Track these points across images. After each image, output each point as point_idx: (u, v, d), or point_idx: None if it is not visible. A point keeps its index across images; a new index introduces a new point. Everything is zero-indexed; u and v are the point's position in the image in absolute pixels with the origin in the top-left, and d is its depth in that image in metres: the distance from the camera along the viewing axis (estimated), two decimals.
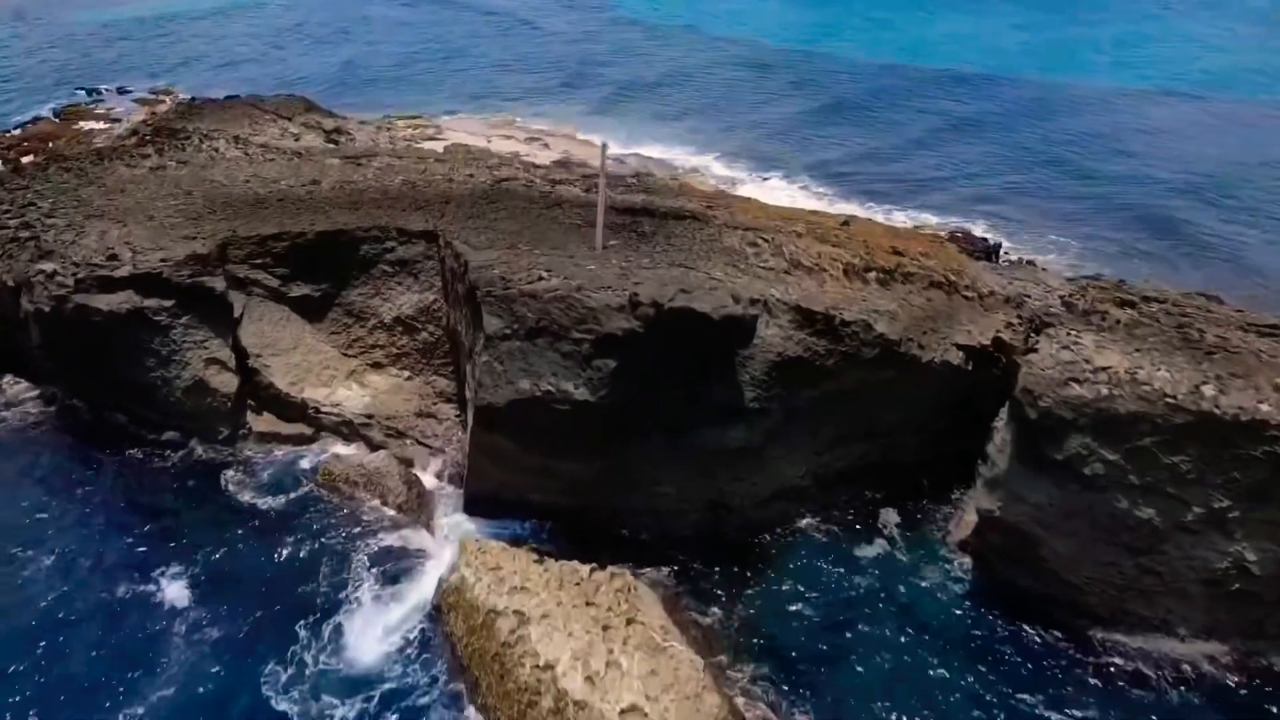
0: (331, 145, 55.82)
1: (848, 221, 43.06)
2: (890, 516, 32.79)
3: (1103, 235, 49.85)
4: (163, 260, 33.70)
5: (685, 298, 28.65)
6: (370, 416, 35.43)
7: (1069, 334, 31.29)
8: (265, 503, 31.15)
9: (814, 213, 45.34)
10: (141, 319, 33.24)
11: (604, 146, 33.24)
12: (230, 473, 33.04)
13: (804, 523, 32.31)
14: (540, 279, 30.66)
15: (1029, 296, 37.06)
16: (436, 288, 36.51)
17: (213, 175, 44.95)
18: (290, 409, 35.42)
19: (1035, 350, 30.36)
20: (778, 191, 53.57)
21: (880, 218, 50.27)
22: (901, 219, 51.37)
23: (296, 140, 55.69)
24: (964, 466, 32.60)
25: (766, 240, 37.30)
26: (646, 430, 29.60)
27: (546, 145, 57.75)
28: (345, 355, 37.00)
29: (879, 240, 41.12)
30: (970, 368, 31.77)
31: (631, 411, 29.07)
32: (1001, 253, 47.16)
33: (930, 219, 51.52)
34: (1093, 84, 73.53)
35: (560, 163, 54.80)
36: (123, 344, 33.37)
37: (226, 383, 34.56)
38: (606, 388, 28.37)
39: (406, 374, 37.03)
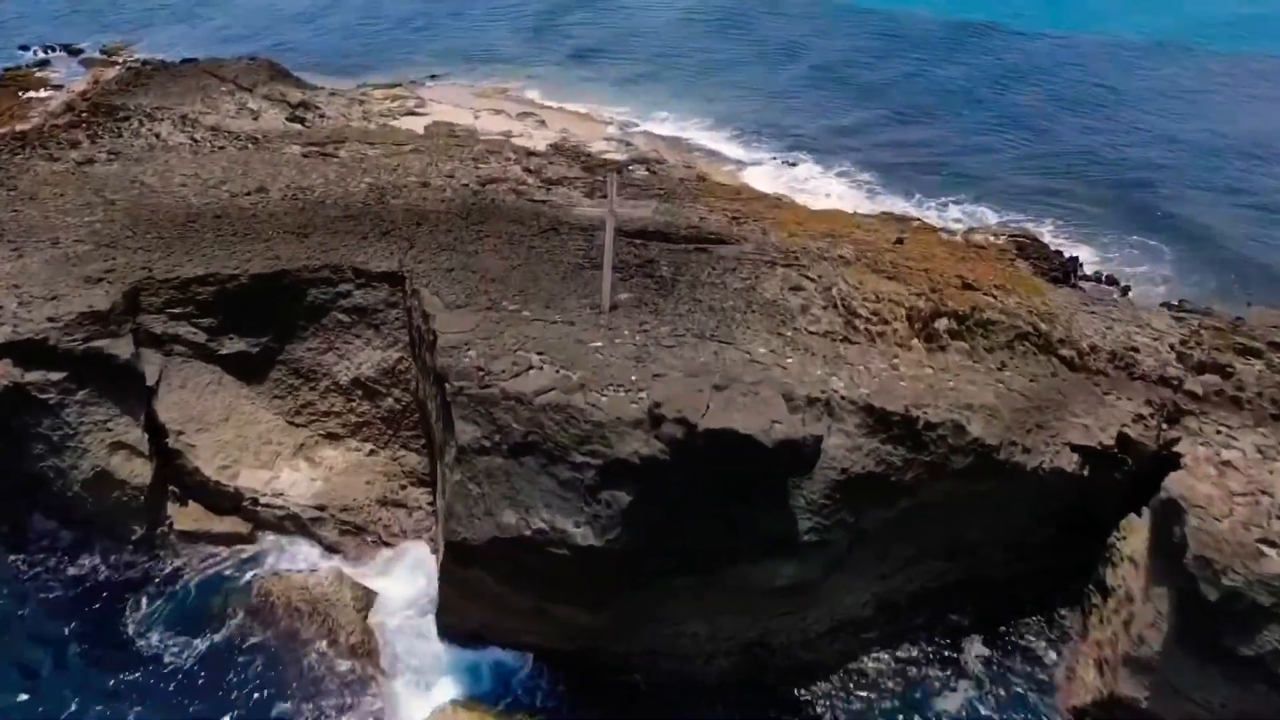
0: (295, 125, 46.60)
1: (901, 239, 34.22)
2: (977, 649, 24.85)
3: (1197, 237, 40.90)
4: (50, 321, 25.17)
5: (724, 410, 20.17)
6: (322, 508, 27.21)
7: (1220, 431, 23.02)
8: (178, 648, 23.15)
9: (858, 221, 36.53)
10: (23, 398, 24.71)
11: (612, 179, 24.35)
12: (139, 595, 24.91)
13: (867, 663, 24.37)
14: (530, 368, 22.11)
15: (1136, 350, 28.60)
16: (403, 343, 27.89)
17: (145, 175, 36.15)
18: (222, 499, 27.02)
19: (1178, 457, 22.16)
20: (809, 182, 44.59)
21: (931, 217, 41.42)
22: (956, 215, 42.44)
23: (255, 119, 46.53)
24: (1071, 580, 24.59)
25: (812, 280, 28.67)
26: (670, 569, 21.35)
27: (542, 122, 48.52)
28: (292, 425, 28.58)
29: (942, 266, 32.49)
30: (1087, 473, 23.36)
31: (651, 549, 20.75)
32: (1080, 270, 38.32)
33: (988, 216, 42.64)
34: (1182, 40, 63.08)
35: (557, 146, 45.67)
36: (1, 428, 24.96)
37: (137, 471, 26.27)
38: (618, 528, 20.15)
39: (369, 447, 28.64)
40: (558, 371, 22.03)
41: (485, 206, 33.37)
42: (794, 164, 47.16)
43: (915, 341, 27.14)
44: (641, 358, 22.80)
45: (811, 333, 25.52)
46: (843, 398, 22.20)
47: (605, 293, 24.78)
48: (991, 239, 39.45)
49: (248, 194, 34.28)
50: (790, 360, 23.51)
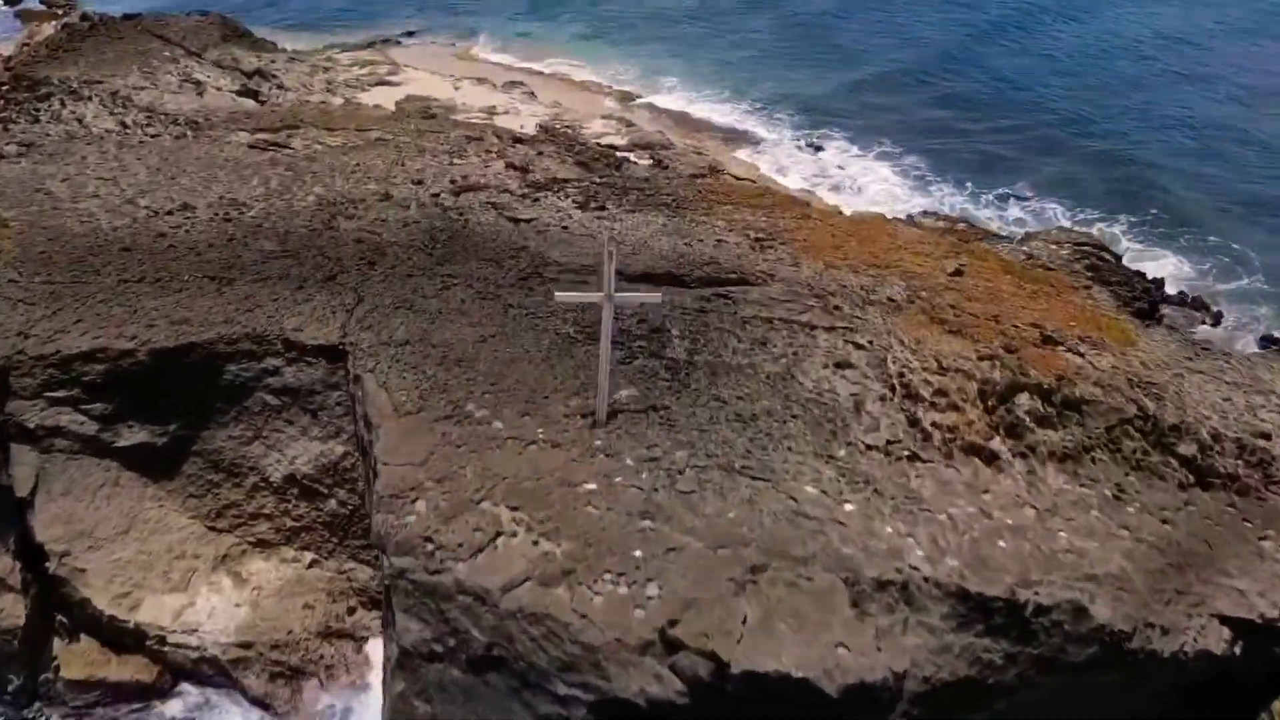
0: (248, 101, 39.03)
1: (960, 270, 27.14)
2: None
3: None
4: None
5: (765, 628, 13.56)
6: (248, 645, 20.87)
7: None
8: None
9: (904, 238, 29.45)
10: None
11: (608, 253, 17.19)
12: None
13: None
14: (499, 535, 15.38)
15: (1268, 438, 22.03)
16: (348, 434, 21.14)
17: (54, 181, 29.10)
18: (122, 635, 20.57)
19: None
20: (842, 171, 37.24)
21: (989, 218, 34.23)
22: (1018, 215, 35.29)
23: (200, 94, 38.99)
24: None
25: (862, 348, 21.85)
26: None
27: (531, 94, 40.81)
28: (212, 530, 22.02)
29: (1011, 305, 25.85)
30: (1238, 651, 16.82)
31: None
32: (1163, 292, 31.28)
33: (1052, 212, 35.68)
34: None
35: (547, 129, 38.17)
36: None
37: (9, 610, 19.68)
38: None
39: (309, 557, 22.16)
40: (535, 542, 15.35)
41: (455, 233, 26.30)
42: (820, 148, 39.63)
43: (998, 442, 20.33)
44: (650, 511, 16.09)
45: (870, 446, 18.73)
46: (925, 579, 15.46)
47: (602, 403, 17.90)
48: (1060, 252, 32.29)
49: (169, 212, 27.17)
50: (849, 506, 16.80)
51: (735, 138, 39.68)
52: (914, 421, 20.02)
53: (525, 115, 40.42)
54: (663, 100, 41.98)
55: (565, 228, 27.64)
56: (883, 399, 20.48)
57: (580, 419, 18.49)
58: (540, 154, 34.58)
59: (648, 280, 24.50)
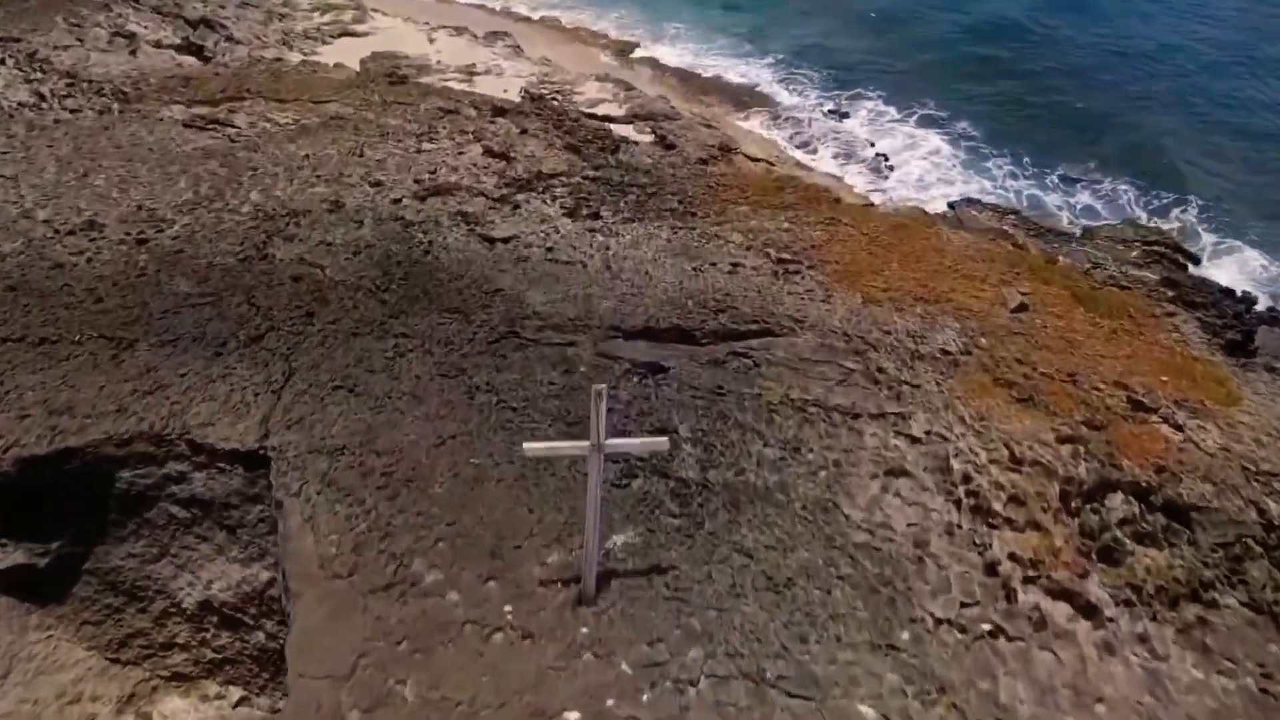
0: (189, 59, 33.03)
1: (1024, 305, 21.86)
2: None
3: None
4: None
5: None
6: None
7: None
8: None
9: (952, 254, 24.13)
10: None
11: (597, 401, 11.82)
12: None
13: None
14: None
15: None
16: (275, 558, 16.19)
17: None
18: None
19: None
20: (878, 141, 31.45)
21: (1053, 205, 28.63)
22: (1084, 202, 29.69)
23: (133, 52, 33.09)
24: None
25: (917, 440, 16.98)
26: None
27: (517, 48, 34.64)
28: (114, 662, 17.30)
29: (1089, 357, 20.93)
30: None
31: None
32: (1253, 310, 25.96)
33: (1122, 194, 29.81)
34: None
35: (533, 95, 32.24)
36: None
37: None
38: None
39: (237, 694, 17.58)
40: None
41: (415, 265, 21.00)
42: (845, 114, 33.64)
43: (1095, 586, 15.43)
44: None
45: (940, 621, 13.74)
46: None
47: (590, 573, 12.85)
48: (1129, 254, 26.93)
49: (72, 232, 21.90)
50: None
51: (750, 101, 33.66)
52: (992, 567, 14.97)
53: (509, 75, 34.34)
54: (666, 54, 35.67)
55: (550, 250, 22.16)
56: (949, 531, 15.45)
57: (562, 588, 13.43)
58: (524, 132, 28.74)
59: (649, 338, 19.20)
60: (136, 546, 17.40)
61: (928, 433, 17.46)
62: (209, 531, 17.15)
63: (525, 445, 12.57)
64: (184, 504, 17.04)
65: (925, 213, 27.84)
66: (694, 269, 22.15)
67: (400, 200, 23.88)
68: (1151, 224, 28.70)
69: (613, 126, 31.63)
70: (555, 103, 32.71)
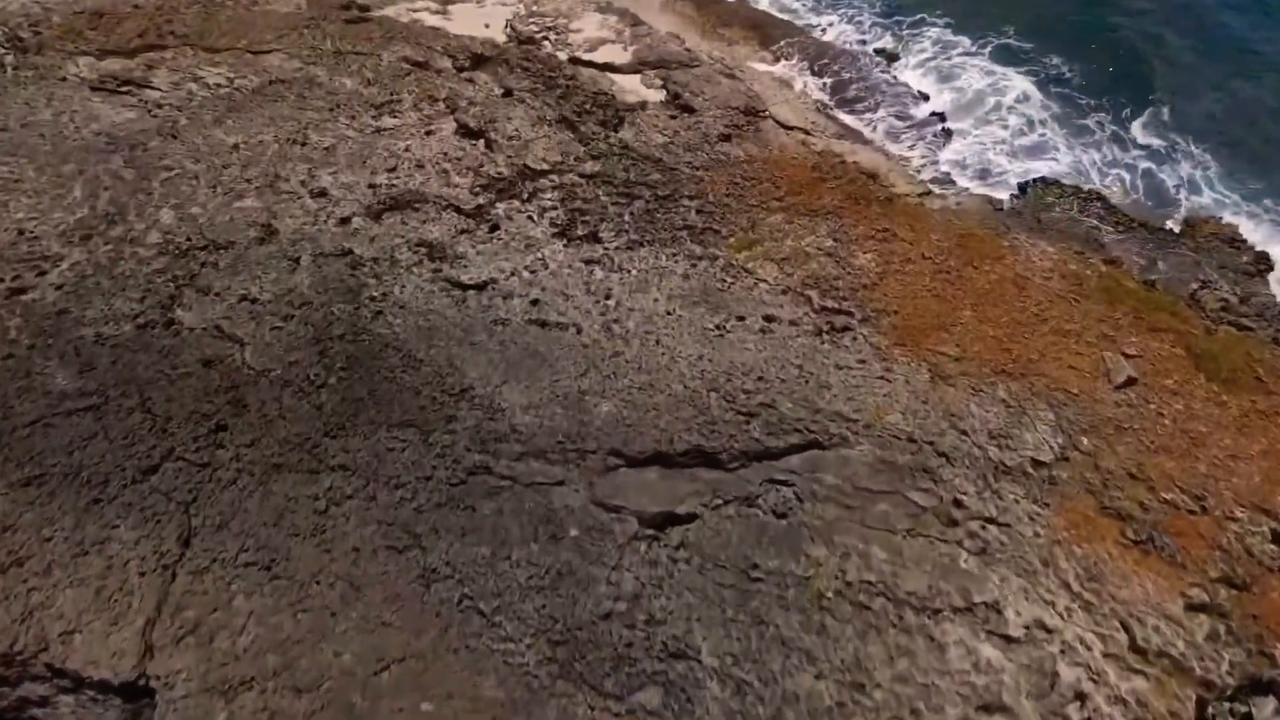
0: None
1: (1132, 378, 16.62)
2: None
3: None
4: None
5: None
6: None
7: None
8: None
9: (1036, 286, 18.92)
10: None
11: None
12: None
13: None
14: None
15: None
16: None
17: None
18: None
19: None
20: (922, 103, 25.54)
21: (1152, 183, 23.29)
22: (1190, 174, 24.11)
23: None
24: None
25: (1017, 640, 12.42)
26: None
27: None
28: None
29: (1217, 461, 16.21)
30: None
31: None
32: None
33: (1212, 167, 23.99)
34: None
35: (517, 34, 25.88)
36: None
37: None
38: None
39: None
40: None
41: (362, 340, 16.14)
42: (895, 57, 27.16)
43: None
44: None
45: None
46: None
47: None
48: (1239, 259, 21.36)
49: None
50: None
51: (780, 35, 27.09)
52: None
53: (490, 3, 27.57)
54: None
55: (535, 305, 16.85)
56: None
57: None
58: (508, 94, 22.70)
59: (662, 464, 14.11)
60: None
61: (1027, 628, 12.55)
62: None
63: None
64: None
65: (992, 205, 22.01)
66: (717, 328, 16.75)
67: (349, 220, 18.20)
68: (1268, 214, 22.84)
69: (616, 79, 25.38)
70: (547, 45, 26.17)
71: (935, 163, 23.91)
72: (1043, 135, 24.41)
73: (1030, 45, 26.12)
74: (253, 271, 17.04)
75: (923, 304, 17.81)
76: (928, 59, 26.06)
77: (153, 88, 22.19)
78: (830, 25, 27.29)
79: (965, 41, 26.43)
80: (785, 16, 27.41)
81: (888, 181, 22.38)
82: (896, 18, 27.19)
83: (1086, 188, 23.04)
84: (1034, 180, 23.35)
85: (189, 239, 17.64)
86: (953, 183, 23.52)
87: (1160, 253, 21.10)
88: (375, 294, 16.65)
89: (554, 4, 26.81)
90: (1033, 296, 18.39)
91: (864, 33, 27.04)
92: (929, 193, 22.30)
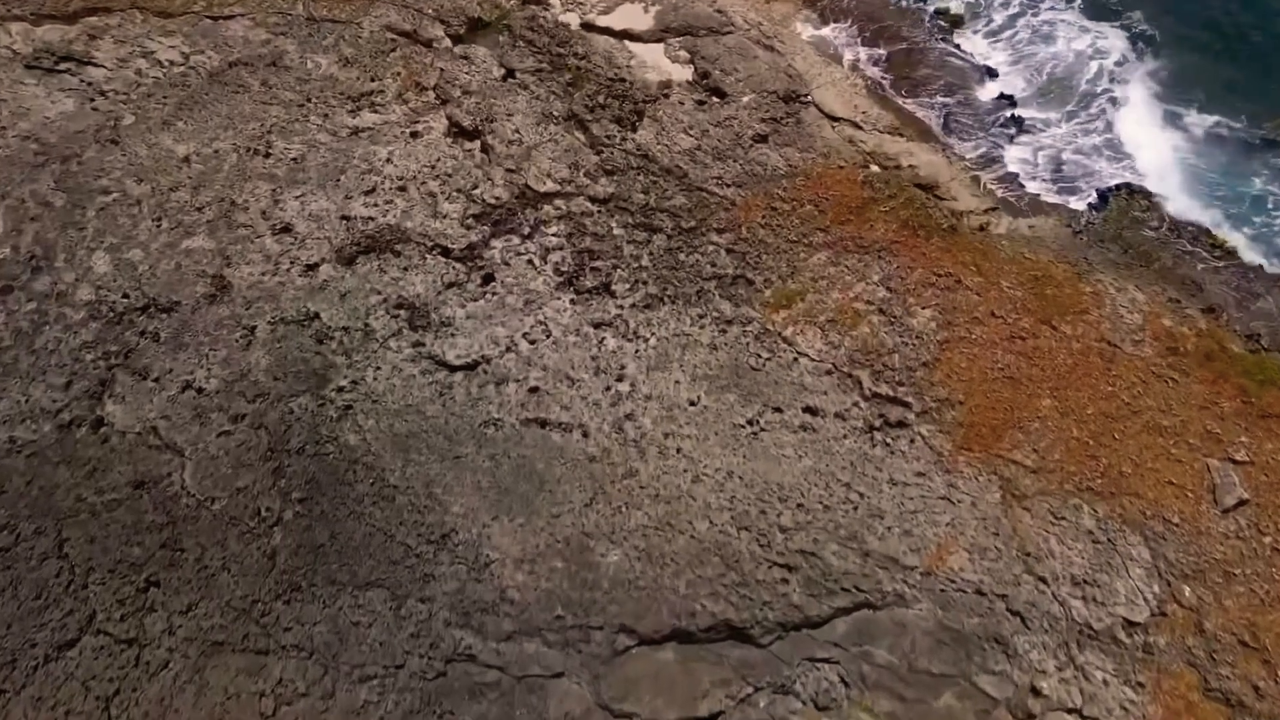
0: None
1: (1243, 500, 13.45)
2: None
3: None
4: None
5: None
6: None
7: None
8: None
9: (1123, 362, 15.66)
10: None
11: None
12: None
13: None
14: None
15: None
16: None
17: None
18: None
19: None
20: (989, 81, 21.52)
21: (1253, 204, 19.49)
22: None
23: None
24: None
25: None
26: None
27: None
28: None
29: None
30: None
31: None
32: None
33: None
34: None
35: None
36: None
37: None
38: None
39: None
40: None
41: (326, 454, 13.26)
42: (958, 21, 22.77)
43: None
44: None
45: None
46: None
47: None
48: None
49: None
50: None
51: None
52: None
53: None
54: None
55: (534, 394, 13.75)
56: None
57: None
58: (509, 75, 18.90)
59: (681, 640, 11.22)
60: None
61: None
62: None
63: None
64: None
65: (1070, 227, 18.37)
66: (750, 424, 13.59)
67: (316, 268, 14.84)
68: None
69: (636, 50, 21.22)
70: (554, 6, 21.79)
71: (1001, 162, 19.92)
72: (1131, 126, 20.24)
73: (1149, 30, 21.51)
74: (199, 345, 13.73)
75: (993, 389, 14.42)
76: (995, 23, 21.55)
77: (96, 64, 18.47)
78: None
79: (1065, 23, 21.86)
80: None
81: (948, 194, 18.60)
82: None
83: (1177, 217, 18.94)
84: (1117, 188, 19.33)
85: (126, 296, 14.26)
86: (1021, 187, 19.64)
87: (1269, 296, 17.36)
88: (344, 381, 13.36)
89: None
90: (1123, 375, 14.96)
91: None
92: (995, 209, 18.43)
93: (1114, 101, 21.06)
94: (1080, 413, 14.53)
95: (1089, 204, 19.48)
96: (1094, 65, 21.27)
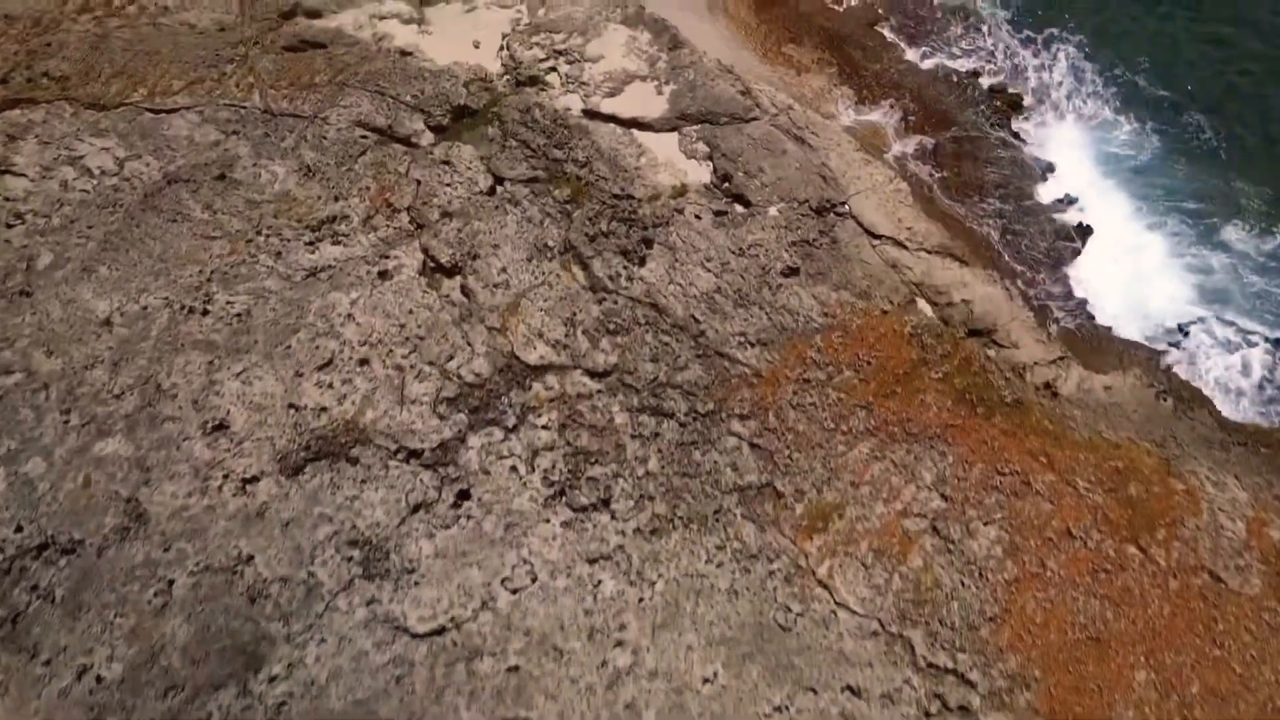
0: None
1: None
2: None
3: None
4: None
5: None
6: None
7: None
8: None
9: (1227, 592, 12.54)
10: None
11: None
12: None
13: None
14: None
15: None
16: None
17: None
18: None
19: None
20: (1046, 178, 17.92)
21: None
22: None
23: None
24: None
25: None
26: None
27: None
28: None
29: None
30: None
31: None
32: None
33: None
34: None
35: (519, 75, 18.20)
36: None
37: None
38: None
39: None
40: None
41: None
42: (1017, 102, 18.90)
43: None
44: None
45: None
46: None
47: None
48: None
49: None
50: None
51: (864, 56, 18.75)
52: None
53: (483, 4, 19.06)
54: None
55: (515, 672, 10.47)
56: None
57: None
58: (498, 186, 15.42)
59: None
60: None
61: None
62: None
63: None
64: None
65: (1152, 386, 14.92)
66: (778, 711, 10.22)
67: (254, 483, 11.51)
68: None
69: (645, 141, 17.46)
70: (554, 84, 17.90)
71: (1066, 284, 16.22)
72: (1214, 245, 16.55)
73: (1165, 91, 17.55)
74: (104, 609, 10.48)
75: (1076, 656, 11.09)
76: (1055, 104, 17.70)
77: (15, 172, 14.71)
78: (929, 38, 18.62)
79: (1104, 72, 17.87)
80: (872, 22, 18.61)
81: (1008, 339, 15.20)
82: (1023, 32, 18.46)
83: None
84: (1196, 322, 15.77)
85: (20, 529, 10.96)
86: (1091, 318, 16.03)
87: None
88: (278, 667, 10.09)
89: (566, 10, 18.18)
90: (1230, 627, 11.50)
91: (976, 56, 18.42)
92: (1063, 358, 14.88)
93: (1193, 203, 17.25)
94: (1183, 689, 11.17)
95: (1170, 342, 15.83)
96: (1160, 163, 17.40)
